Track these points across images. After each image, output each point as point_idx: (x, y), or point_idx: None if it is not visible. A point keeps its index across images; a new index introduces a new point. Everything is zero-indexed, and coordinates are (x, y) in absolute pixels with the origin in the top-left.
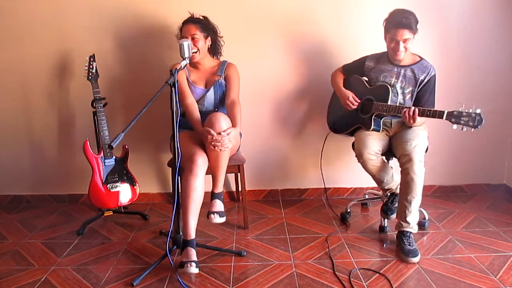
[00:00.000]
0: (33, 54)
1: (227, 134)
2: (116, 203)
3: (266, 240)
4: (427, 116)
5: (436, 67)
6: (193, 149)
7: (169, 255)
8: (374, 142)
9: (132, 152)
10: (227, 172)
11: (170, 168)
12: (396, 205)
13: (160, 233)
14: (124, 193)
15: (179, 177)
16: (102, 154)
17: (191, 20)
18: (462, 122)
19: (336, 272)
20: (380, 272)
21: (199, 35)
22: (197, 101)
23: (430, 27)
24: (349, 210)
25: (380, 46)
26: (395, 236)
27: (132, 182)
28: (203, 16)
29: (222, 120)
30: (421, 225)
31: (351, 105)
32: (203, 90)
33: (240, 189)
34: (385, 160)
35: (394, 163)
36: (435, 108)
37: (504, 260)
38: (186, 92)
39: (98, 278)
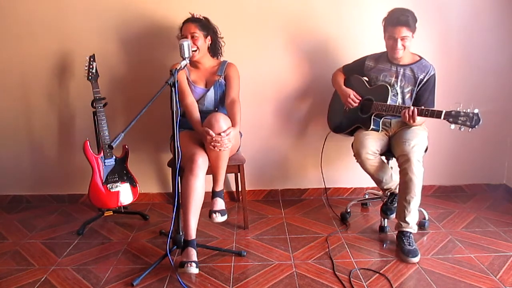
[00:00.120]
0: (33, 54)
1: (227, 135)
2: (116, 203)
3: (266, 240)
4: (425, 115)
5: (436, 67)
6: (193, 149)
7: (169, 255)
8: (373, 142)
9: (132, 152)
10: (227, 172)
11: (170, 168)
12: (396, 205)
13: (160, 233)
14: (124, 193)
15: (179, 177)
16: (102, 154)
17: (191, 20)
18: (459, 122)
19: (336, 272)
20: (380, 272)
21: (199, 33)
22: (197, 101)
23: (430, 27)
24: (349, 210)
25: (380, 46)
26: (395, 236)
27: (132, 182)
28: (203, 17)
29: (221, 121)
30: (421, 225)
31: (352, 103)
32: (203, 90)
33: (240, 189)
34: (384, 160)
35: (394, 163)
36: (434, 108)
37: (504, 260)
38: (186, 91)
39: (98, 278)
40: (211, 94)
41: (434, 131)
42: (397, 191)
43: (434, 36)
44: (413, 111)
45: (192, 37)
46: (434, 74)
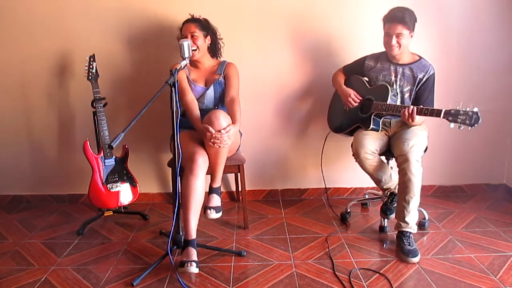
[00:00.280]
0: (33, 54)
1: (227, 132)
2: (116, 203)
3: (266, 240)
4: (425, 114)
5: (436, 67)
6: (194, 149)
7: (170, 255)
8: (372, 142)
9: (132, 152)
10: (227, 172)
11: (170, 168)
12: (396, 205)
13: (160, 233)
14: (124, 193)
15: (179, 177)
16: (102, 154)
17: (191, 20)
18: (459, 120)
19: (336, 272)
20: (380, 272)
21: (199, 33)
22: (197, 99)
23: (430, 27)
24: (349, 210)
25: (381, 45)
26: (395, 236)
27: (132, 182)
28: (203, 18)
29: (221, 118)
30: (421, 225)
31: (352, 102)
32: (203, 88)
33: (240, 189)
34: (383, 160)
35: (394, 163)
36: (433, 107)
37: (504, 260)
38: (186, 89)
39: (98, 278)
40: (210, 92)
41: (434, 131)
42: (396, 191)
43: (434, 36)
44: (412, 110)
45: (192, 36)
46: (433, 74)
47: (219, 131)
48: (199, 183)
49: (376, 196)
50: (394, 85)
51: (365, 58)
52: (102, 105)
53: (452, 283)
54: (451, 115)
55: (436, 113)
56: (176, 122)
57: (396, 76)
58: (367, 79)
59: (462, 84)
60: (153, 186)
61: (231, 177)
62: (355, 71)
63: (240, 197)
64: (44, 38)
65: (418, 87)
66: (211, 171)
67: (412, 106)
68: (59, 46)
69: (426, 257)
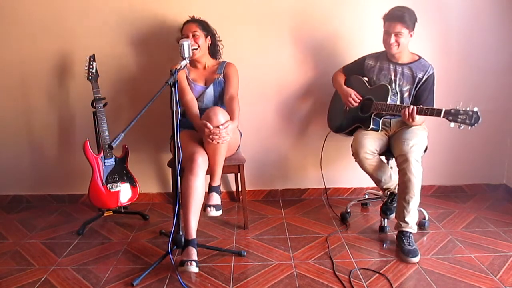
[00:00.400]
0: (33, 54)
1: (225, 128)
2: (116, 203)
3: (266, 240)
4: (425, 114)
5: (436, 67)
6: (193, 148)
7: (170, 254)
8: (371, 142)
9: (132, 152)
10: (227, 172)
11: (170, 168)
12: (396, 205)
13: (160, 233)
14: (124, 193)
15: (179, 177)
16: (102, 154)
17: (192, 20)
18: (459, 120)
19: (336, 272)
20: (380, 272)
21: (200, 32)
22: (196, 99)
23: (430, 27)
24: (349, 210)
25: (381, 46)
26: (395, 236)
27: (132, 182)
28: (203, 20)
29: (219, 114)
30: (421, 225)
31: (353, 102)
32: (202, 87)
33: (240, 189)
34: (383, 160)
35: (393, 162)
36: (433, 107)
37: (504, 260)
38: (186, 89)
39: (98, 278)
40: (210, 91)
41: (434, 131)
42: (396, 191)
43: (434, 36)
44: (412, 110)
45: (194, 35)
46: (433, 74)
47: (217, 127)
48: (199, 183)
49: (376, 196)
50: (393, 84)
51: (365, 57)
52: (102, 105)
53: (452, 283)
54: (451, 115)
55: (436, 112)
56: (176, 122)
57: (395, 76)
58: (367, 79)
59: (462, 84)
60: (153, 186)
61: (231, 177)
62: (355, 71)
63: (240, 197)
64: (44, 38)
65: (418, 87)
66: (210, 170)
67: (412, 106)
68: (59, 46)
69: (426, 257)
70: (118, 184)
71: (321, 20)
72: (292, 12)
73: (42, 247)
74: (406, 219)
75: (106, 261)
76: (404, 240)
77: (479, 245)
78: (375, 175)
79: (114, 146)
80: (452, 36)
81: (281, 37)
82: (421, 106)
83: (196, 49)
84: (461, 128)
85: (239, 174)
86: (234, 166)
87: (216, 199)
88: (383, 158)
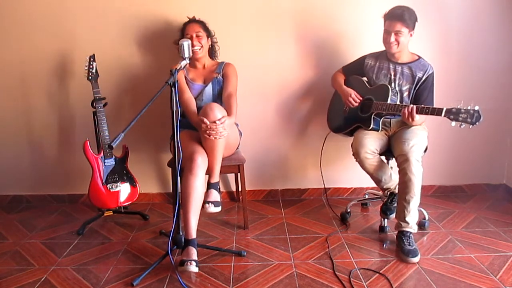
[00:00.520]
0: (33, 54)
1: (221, 123)
2: (116, 203)
3: (266, 240)
4: (426, 113)
5: (436, 67)
6: (193, 148)
7: (170, 254)
8: (372, 141)
9: (132, 152)
10: (227, 172)
11: (170, 168)
12: (396, 205)
13: (160, 233)
14: (124, 193)
15: (179, 177)
16: (102, 154)
17: (194, 20)
18: (460, 119)
19: (336, 272)
20: (380, 272)
21: (203, 33)
22: (196, 97)
23: (430, 27)
24: (349, 210)
25: (382, 46)
26: (395, 236)
27: (132, 182)
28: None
29: (216, 110)
30: (421, 225)
31: (353, 102)
32: (201, 86)
33: (240, 189)
34: (384, 160)
35: (393, 162)
36: (434, 106)
37: (504, 260)
38: (184, 88)
39: (98, 278)
40: (209, 89)
41: (434, 131)
42: (396, 191)
43: (434, 36)
44: (411, 109)
45: (197, 36)
46: (432, 73)
47: (214, 122)
48: (198, 183)
49: (376, 196)
50: (393, 84)
51: (365, 57)
52: (102, 105)
53: (452, 283)
54: (453, 114)
55: (437, 111)
56: (176, 122)
57: (395, 75)
58: (366, 79)
59: (462, 84)
60: (153, 186)
61: (231, 177)
62: (354, 71)
63: (240, 197)
64: (44, 38)
65: (418, 86)
66: (208, 166)
67: (411, 105)
68: (59, 46)
69: (426, 257)
70: (118, 184)
71: (321, 20)
72: (292, 12)
73: (42, 247)
74: (407, 219)
75: (106, 261)
76: (404, 240)
77: (479, 245)
78: (376, 175)
79: (114, 146)
80: (452, 36)
81: (281, 37)
82: (422, 105)
83: (200, 48)
84: (462, 127)
85: (239, 174)
86: (234, 166)
87: (215, 195)
88: (383, 158)
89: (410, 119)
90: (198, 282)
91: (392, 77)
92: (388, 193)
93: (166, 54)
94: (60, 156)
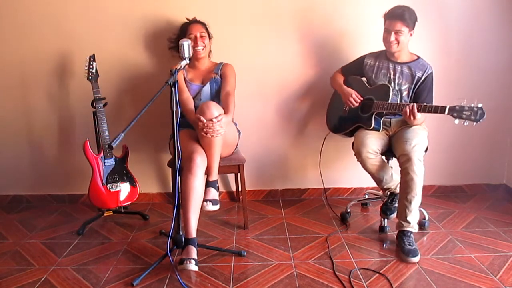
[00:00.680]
0: (33, 54)
1: (218, 121)
2: (116, 203)
3: (266, 240)
4: (429, 112)
5: (436, 67)
6: (192, 148)
7: (169, 254)
8: (373, 141)
9: (132, 152)
10: (227, 172)
11: (170, 168)
12: (396, 205)
13: (160, 233)
14: (124, 193)
15: (179, 177)
16: (102, 154)
17: (196, 21)
18: (464, 116)
19: (336, 272)
20: (380, 272)
21: (205, 33)
22: (194, 97)
23: (430, 27)
24: (349, 210)
25: (382, 46)
26: (395, 236)
27: (132, 182)
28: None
29: (213, 108)
30: (421, 225)
31: (354, 102)
32: (199, 86)
33: (240, 189)
34: (385, 160)
35: (393, 162)
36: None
37: (504, 260)
38: (183, 88)
39: (98, 278)
40: (207, 89)
41: (434, 131)
42: (397, 191)
43: (434, 36)
44: (412, 107)
45: (201, 36)
46: (431, 73)
47: (211, 120)
48: (198, 182)
49: (376, 196)
50: (393, 83)
51: (364, 56)
52: (102, 105)
53: (452, 283)
54: (456, 111)
55: (441, 110)
56: (176, 122)
57: (394, 74)
58: (365, 79)
59: (462, 84)
60: (153, 186)
61: (231, 177)
62: (354, 71)
63: (240, 197)
64: (44, 38)
65: (417, 86)
66: (206, 165)
67: (413, 103)
68: (59, 46)
69: (426, 257)
70: (118, 184)
71: (322, 20)
72: (292, 12)
73: (42, 247)
74: (408, 218)
75: (106, 261)
76: (405, 240)
77: (479, 245)
78: (377, 175)
79: (114, 146)
80: (452, 36)
81: (281, 37)
82: (425, 104)
83: (203, 49)
84: (465, 124)
85: (239, 174)
86: (234, 166)
87: (213, 194)
88: (383, 158)
89: (412, 118)
90: (198, 282)
91: (392, 76)
92: (388, 193)
93: (166, 54)
94: (60, 156)
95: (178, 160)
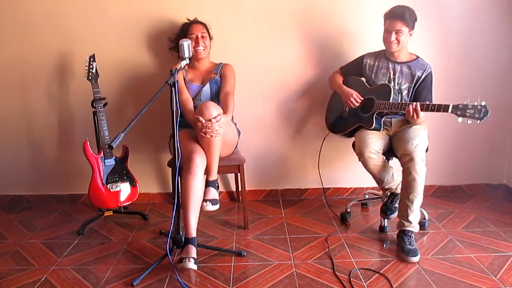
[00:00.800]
0: (33, 54)
1: (217, 121)
2: (116, 203)
3: (266, 240)
4: (432, 110)
5: (436, 67)
6: (191, 148)
7: (169, 255)
8: (375, 141)
9: (132, 152)
10: (227, 172)
11: (170, 168)
12: (396, 205)
13: (160, 233)
14: (124, 193)
15: (178, 177)
16: (102, 154)
17: (197, 21)
18: (468, 114)
19: (336, 272)
20: (380, 272)
21: (206, 34)
22: (194, 97)
23: (430, 27)
24: (349, 210)
25: (382, 47)
26: (396, 236)
27: (132, 182)
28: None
29: (211, 108)
30: (421, 225)
31: (354, 102)
32: (199, 86)
33: (240, 189)
34: (386, 160)
35: (393, 162)
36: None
37: (504, 260)
38: (182, 88)
39: (98, 278)
40: (206, 89)
41: (434, 130)
42: (397, 191)
43: (434, 36)
44: (416, 105)
45: (202, 36)
46: (431, 72)
47: (210, 120)
48: (197, 182)
49: (376, 196)
50: (393, 82)
51: (363, 56)
52: (102, 105)
53: (452, 283)
54: (460, 110)
55: (444, 108)
56: (176, 122)
57: (394, 74)
58: (365, 79)
59: (462, 83)
60: (153, 186)
61: (231, 177)
62: (353, 71)
63: (240, 197)
64: (44, 38)
65: (417, 85)
66: (206, 165)
67: (416, 102)
68: (59, 46)
69: (426, 257)
70: (118, 184)
71: (322, 20)
72: (292, 12)
73: (42, 247)
74: (410, 218)
75: (106, 261)
76: (405, 239)
77: (479, 245)
78: (378, 175)
79: (114, 146)
80: (452, 36)
81: (281, 37)
82: (427, 102)
83: (204, 49)
84: (469, 122)
85: (239, 174)
86: (234, 166)
87: (213, 193)
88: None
89: (415, 116)
90: (198, 282)
91: (392, 76)
92: (389, 193)
93: (166, 54)
94: (60, 156)
95: (178, 160)
